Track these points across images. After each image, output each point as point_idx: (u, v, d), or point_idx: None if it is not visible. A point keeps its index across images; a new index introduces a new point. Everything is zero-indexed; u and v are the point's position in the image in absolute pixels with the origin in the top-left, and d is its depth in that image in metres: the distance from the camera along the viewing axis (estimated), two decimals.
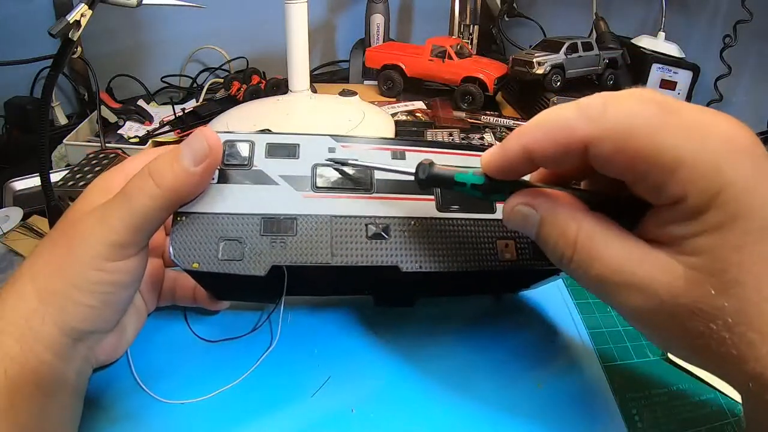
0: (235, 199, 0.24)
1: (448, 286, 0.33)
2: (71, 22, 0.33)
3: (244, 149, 0.25)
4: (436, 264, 0.25)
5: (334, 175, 0.26)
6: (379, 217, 0.25)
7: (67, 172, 0.50)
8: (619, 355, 0.32)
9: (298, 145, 0.26)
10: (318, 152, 0.26)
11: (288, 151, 0.26)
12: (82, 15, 0.33)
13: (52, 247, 0.23)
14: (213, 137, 0.23)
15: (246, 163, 0.25)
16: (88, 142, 0.61)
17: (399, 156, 0.27)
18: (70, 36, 0.33)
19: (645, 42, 0.77)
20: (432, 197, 0.26)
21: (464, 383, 0.29)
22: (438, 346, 0.31)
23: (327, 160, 0.26)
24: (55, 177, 0.47)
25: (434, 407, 0.28)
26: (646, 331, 0.19)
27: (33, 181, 0.52)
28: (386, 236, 0.25)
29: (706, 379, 0.31)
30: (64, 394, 0.23)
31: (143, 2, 0.40)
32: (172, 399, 0.27)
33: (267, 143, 0.26)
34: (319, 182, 0.25)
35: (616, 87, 0.76)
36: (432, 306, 0.34)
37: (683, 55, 0.76)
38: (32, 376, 0.21)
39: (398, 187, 0.26)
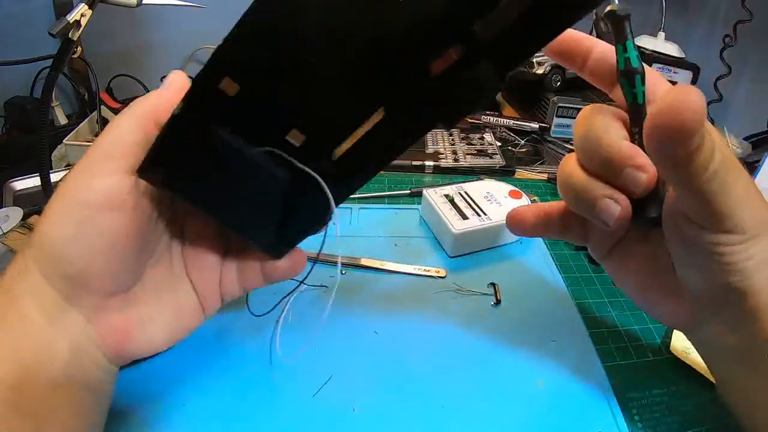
0: None
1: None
2: (71, 22, 0.33)
3: None
4: None
5: None
6: None
7: (67, 172, 0.50)
8: (619, 355, 0.32)
9: None
10: None
11: None
12: (82, 15, 0.33)
13: None
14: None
15: None
16: (88, 142, 0.61)
17: None
18: (70, 36, 0.33)
19: (645, 42, 0.77)
20: None
21: (464, 382, 0.29)
22: (438, 346, 0.31)
23: None
24: (55, 177, 0.47)
25: (435, 406, 0.28)
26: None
27: (33, 181, 0.52)
28: None
29: (706, 378, 0.31)
30: (51, 368, 0.20)
31: (143, 2, 0.40)
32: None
33: None
34: None
35: None
36: (432, 306, 0.34)
37: (683, 55, 0.76)
38: (9, 340, 0.19)
39: None
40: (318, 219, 0.24)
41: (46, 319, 0.20)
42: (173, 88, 0.22)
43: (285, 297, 0.29)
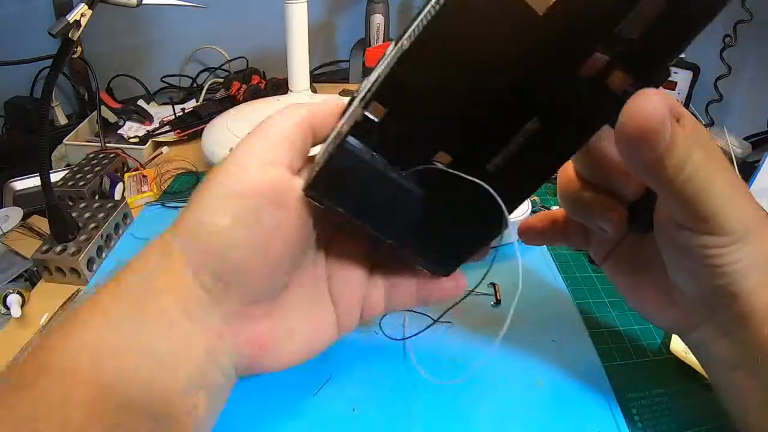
0: None
1: None
2: (71, 22, 0.33)
3: None
4: None
5: None
6: None
7: (67, 172, 0.50)
8: (619, 355, 0.32)
9: None
10: None
11: None
12: (82, 15, 0.33)
13: None
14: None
15: None
16: (88, 142, 0.61)
17: None
18: (70, 36, 0.33)
19: None
20: None
21: (464, 382, 0.29)
22: (438, 345, 0.31)
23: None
24: (55, 177, 0.47)
25: (434, 405, 0.28)
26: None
27: (33, 181, 0.52)
28: None
29: (706, 378, 0.31)
30: (182, 370, 0.18)
31: (143, 2, 0.39)
32: None
33: None
34: None
35: None
36: (432, 306, 0.34)
37: (683, 55, 0.75)
38: (145, 334, 0.18)
39: None
40: (486, 233, 0.24)
41: (187, 318, 0.19)
42: (329, 105, 0.22)
43: (433, 322, 0.29)
